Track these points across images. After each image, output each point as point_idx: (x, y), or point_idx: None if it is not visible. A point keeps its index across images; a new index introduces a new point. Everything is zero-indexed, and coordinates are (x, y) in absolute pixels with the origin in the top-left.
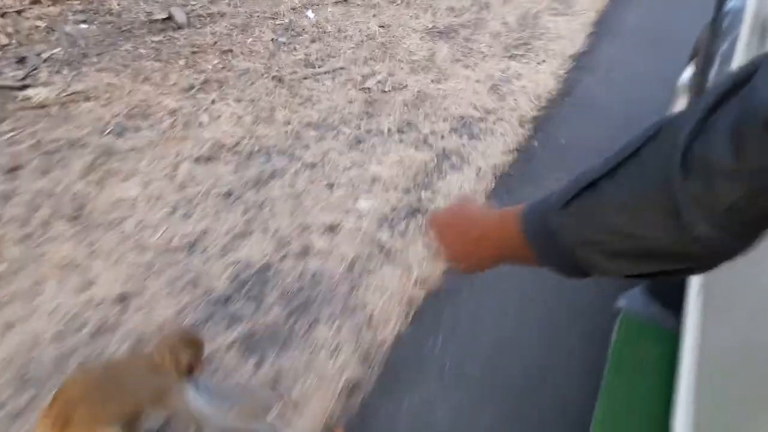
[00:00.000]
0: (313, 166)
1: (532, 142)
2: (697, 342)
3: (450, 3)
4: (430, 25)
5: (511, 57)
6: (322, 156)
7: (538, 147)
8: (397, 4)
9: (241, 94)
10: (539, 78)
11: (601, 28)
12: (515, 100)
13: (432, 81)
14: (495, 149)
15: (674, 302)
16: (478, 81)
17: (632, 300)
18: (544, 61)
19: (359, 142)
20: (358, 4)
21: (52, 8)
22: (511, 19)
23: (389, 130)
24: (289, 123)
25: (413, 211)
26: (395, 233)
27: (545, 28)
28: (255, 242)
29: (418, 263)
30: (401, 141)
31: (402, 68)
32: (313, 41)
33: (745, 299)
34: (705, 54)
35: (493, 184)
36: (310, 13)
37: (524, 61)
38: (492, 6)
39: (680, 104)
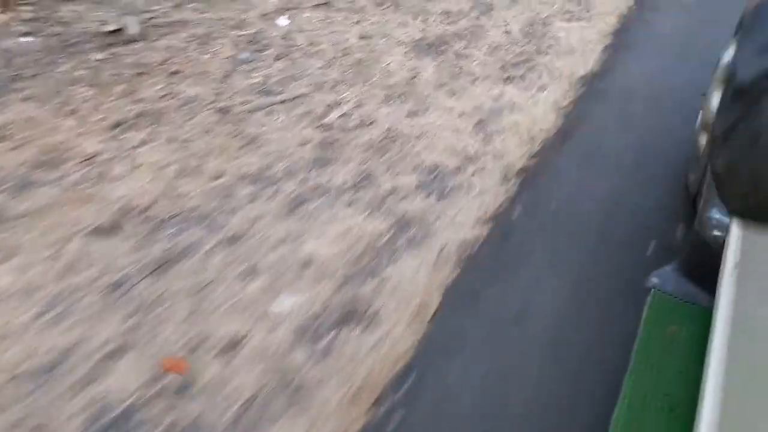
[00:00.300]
0: (233, 240)
1: (515, 207)
2: (730, 319)
3: (447, 5)
4: (419, 36)
5: (508, 80)
6: (250, 225)
7: (520, 215)
8: (385, 8)
9: (176, 132)
10: (537, 111)
11: (623, 37)
12: (503, 141)
13: (407, 114)
14: (468, 216)
15: (707, 280)
16: (462, 114)
17: (664, 278)
18: (546, 86)
19: (301, 203)
20: (341, 8)
21: (1, 16)
22: (515, 27)
23: (342, 185)
24: (220, 176)
25: (346, 316)
26: (315, 353)
27: (554, 38)
28: (129, 366)
29: (334, 411)
30: (351, 204)
31: (375, 95)
32: (277, 58)
33: None
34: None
35: (456, 274)
36: (283, 20)
37: (522, 86)
38: (495, 9)
39: (718, 92)
